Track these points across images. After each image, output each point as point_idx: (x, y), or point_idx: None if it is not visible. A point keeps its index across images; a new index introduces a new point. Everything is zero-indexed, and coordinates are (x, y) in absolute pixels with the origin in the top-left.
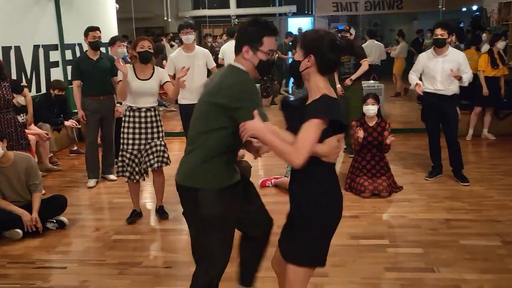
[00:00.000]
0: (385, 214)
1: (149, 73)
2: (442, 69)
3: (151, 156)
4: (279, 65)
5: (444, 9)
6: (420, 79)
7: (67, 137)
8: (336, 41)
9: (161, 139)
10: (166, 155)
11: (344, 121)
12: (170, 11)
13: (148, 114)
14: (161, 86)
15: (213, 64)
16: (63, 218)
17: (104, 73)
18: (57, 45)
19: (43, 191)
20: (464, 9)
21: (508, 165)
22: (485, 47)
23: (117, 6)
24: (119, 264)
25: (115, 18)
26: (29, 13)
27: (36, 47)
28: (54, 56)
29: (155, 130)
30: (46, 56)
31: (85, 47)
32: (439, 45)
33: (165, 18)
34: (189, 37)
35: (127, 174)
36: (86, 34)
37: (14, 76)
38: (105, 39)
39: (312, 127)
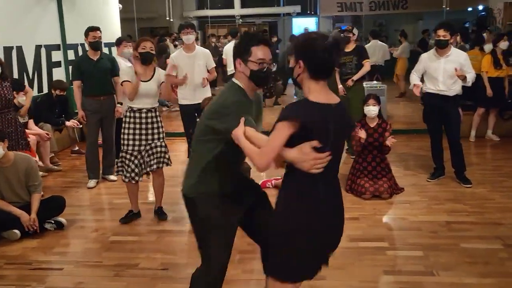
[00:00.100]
0: (386, 216)
1: (150, 74)
2: (444, 70)
3: (151, 157)
4: (283, 65)
5: (448, 9)
6: (422, 79)
7: (68, 137)
8: (325, 44)
9: (161, 140)
10: (167, 156)
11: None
12: (174, 11)
13: (149, 115)
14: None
15: (212, 65)
16: (61, 219)
17: (104, 73)
18: (59, 45)
19: (42, 192)
20: (470, 9)
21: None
22: (489, 47)
23: (121, 6)
24: (116, 266)
25: (118, 18)
26: (31, 13)
27: (38, 47)
28: (56, 56)
29: (155, 131)
30: (48, 56)
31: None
32: (441, 46)
33: (168, 18)
34: (189, 37)
35: (127, 174)
36: (86, 34)
37: (16, 77)
38: (108, 39)
39: (276, 131)
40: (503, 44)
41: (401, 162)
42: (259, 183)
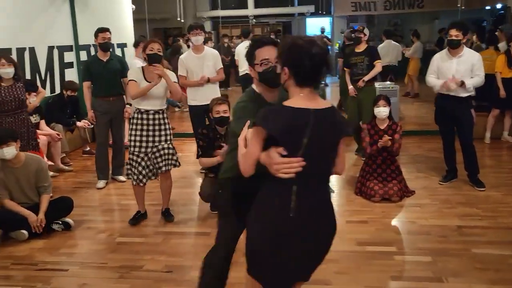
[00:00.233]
0: (395, 219)
1: (157, 76)
2: (457, 71)
3: (159, 159)
4: None
5: (463, 8)
6: None
7: (80, 138)
8: (311, 51)
9: (169, 142)
10: (175, 157)
11: (277, 134)
12: (188, 12)
13: (156, 116)
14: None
15: (220, 66)
16: (68, 219)
17: (114, 74)
18: (71, 46)
19: (51, 193)
20: (488, 7)
21: None
22: (503, 47)
23: (134, 7)
24: (120, 268)
25: (131, 19)
26: (43, 14)
27: (50, 48)
28: (69, 57)
29: (162, 133)
30: (61, 57)
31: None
32: (454, 46)
33: (179, 19)
34: (198, 38)
35: (134, 177)
36: (96, 35)
37: (28, 77)
38: (121, 40)
39: (251, 136)
40: None
41: (413, 164)
42: None
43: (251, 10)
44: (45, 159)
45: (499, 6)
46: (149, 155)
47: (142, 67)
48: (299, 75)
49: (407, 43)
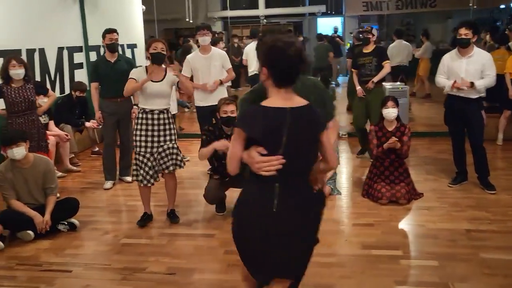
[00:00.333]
0: (402, 222)
1: (161, 75)
2: (466, 71)
3: (165, 159)
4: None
5: (475, 7)
6: None
7: (88, 138)
8: (288, 53)
9: (173, 142)
10: (179, 157)
11: (257, 134)
12: (199, 12)
13: (161, 116)
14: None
15: (228, 66)
16: (74, 220)
17: (121, 75)
18: (81, 47)
19: (58, 195)
20: (502, 6)
21: None
22: None
23: (144, 7)
24: (124, 269)
25: (141, 20)
26: (53, 15)
27: (60, 49)
28: (79, 57)
29: (167, 132)
30: (70, 58)
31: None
32: (463, 45)
33: (187, 20)
34: (205, 39)
35: (140, 178)
36: (103, 36)
37: (38, 78)
38: (131, 41)
39: (233, 137)
40: None
41: (422, 166)
42: None
43: (261, 10)
44: (53, 160)
45: None
46: (155, 155)
47: (146, 66)
48: (277, 75)
49: (418, 43)
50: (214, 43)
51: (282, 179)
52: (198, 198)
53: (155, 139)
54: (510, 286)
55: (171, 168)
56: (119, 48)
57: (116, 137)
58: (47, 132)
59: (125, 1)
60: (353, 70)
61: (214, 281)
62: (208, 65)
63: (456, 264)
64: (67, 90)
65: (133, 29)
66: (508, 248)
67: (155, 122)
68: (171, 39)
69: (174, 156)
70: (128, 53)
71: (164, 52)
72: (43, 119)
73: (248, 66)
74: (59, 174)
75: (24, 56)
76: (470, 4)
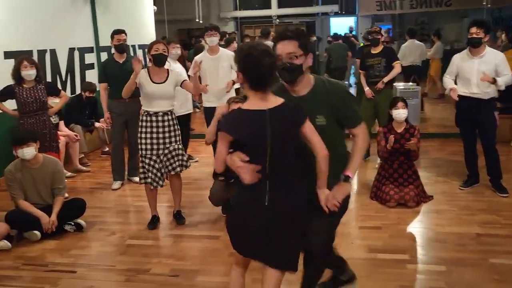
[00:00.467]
0: (410, 226)
1: (163, 77)
2: (478, 71)
3: (172, 160)
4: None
5: (489, 6)
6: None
7: (98, 139)
8: (261, 59)
9: (178, 143)
10: (185, 158)
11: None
12: (212, 12)
13: (166, 118)
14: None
15: None
16: (80, 221)
17: (130, 75)
18: (92, 47)
19: (66, 195)
20: None
21: None
22: None
23: (155, 8)
24: (128, 271)
25: (153, 20)
26: (64, 16)
27: (71, 50)
28: (90, 58)
29: (172, 134)
30: (81, 59)
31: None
32: (474, 44)
33: (197, 20)
34: (213, 39)
35: (149, 180)
36: (112, 37)
37: (49, 79)
38: (142, 41)
39: (219, 138)
40: None
41: (433, 168)
42: None
43: (274, 10)
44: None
45: None
46: (161, 157)
47: (148, 67)
48: (252, 81)
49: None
50: (228, 43)
51: (272, 176)
52: (204, 199)
53: (161, 141)
54: None
55: (178, 169)
56: (130, 49)
57: (124, 137)
58: (58, 132)
59: (137, 2)
60: (360, 71)
61: (217, 284)
62: (216, 66)
63: (464, 270)
64: (78, 91)
65: (144, 30)
66: None
67: (160, 124)
68: (184, 39)
69: (180, 157)
70: (139, 53)
71: (166, 54)
72: (54, 120)
73: None
74: (68, 174)
75: (35, 57)
76: (484, 3)
